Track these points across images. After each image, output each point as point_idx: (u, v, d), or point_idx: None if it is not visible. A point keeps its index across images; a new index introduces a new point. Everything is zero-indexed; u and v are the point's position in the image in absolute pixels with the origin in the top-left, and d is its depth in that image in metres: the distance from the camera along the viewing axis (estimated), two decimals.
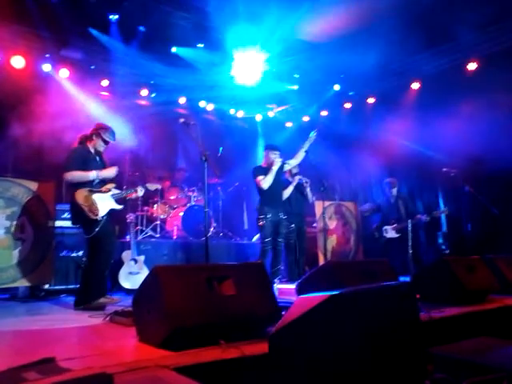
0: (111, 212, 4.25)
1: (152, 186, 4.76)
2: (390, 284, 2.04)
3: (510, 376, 2.00)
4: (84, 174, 4.13)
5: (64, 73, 6.65)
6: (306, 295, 1.91)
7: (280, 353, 1.78)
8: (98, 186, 4.24)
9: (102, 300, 3.98)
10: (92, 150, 4.33)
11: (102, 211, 4.11)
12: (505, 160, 6.05)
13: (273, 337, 1.87)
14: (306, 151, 5.62)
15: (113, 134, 4.36)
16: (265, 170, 5.35)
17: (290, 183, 6.02)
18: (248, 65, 7.04)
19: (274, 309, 2.75)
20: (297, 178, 6.08)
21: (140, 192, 4.66)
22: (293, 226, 5.99)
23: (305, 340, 1.73)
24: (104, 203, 4.17)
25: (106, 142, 4.34)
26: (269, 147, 5.57)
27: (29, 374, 2.00)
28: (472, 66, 6.71)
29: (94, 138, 4.31)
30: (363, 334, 1.68)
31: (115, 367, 2.03)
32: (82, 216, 4.04)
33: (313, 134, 5.60)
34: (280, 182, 5.55)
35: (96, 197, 4.13)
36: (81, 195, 4.06)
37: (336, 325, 1.65)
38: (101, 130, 4.32)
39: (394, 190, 6.73)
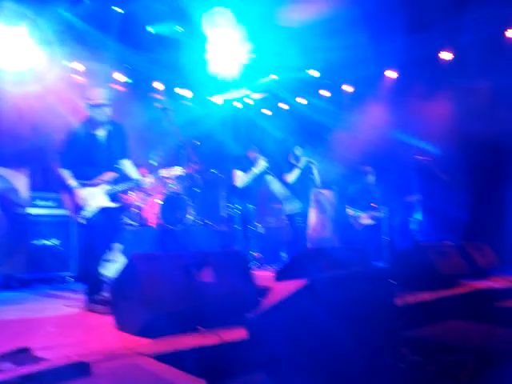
0: (104, 210, 3.58)
1: (171, 171, 3.94)
2: (365, 270, 2.08)
3: (477, 355, 2.09)
4: (66, 180, 3.55)
5: (38, 57, 6.43)
6: (283, 281, 1.94)
7: (258, 338, 1.80)
8: (97, 173, 3.59)
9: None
10: (90, 128, 3.61)
11: (88, 212, 3.52)
12: (479, 147, 6.25)
13: (251, 322, 1.89)
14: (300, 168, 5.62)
15: (102, 92, 3.61)
16: (247, 164, 5.29)
17: (294, 166, 5.70)
18: (226, 53, 6.97)
19: (253, 295, 2.77)
20: (304, 159, 5.71)
21: (148, 184, 3.80)
22: (298, 209, 5.68)
23: (282, 325, 1.75)
24: (94, 200, 3.55)
25: (99, 106, 3.53)
26: (257, 145, 5.51)
27: (3, 364, 1.97)
28: (447, 56, 6.80)
29: (85, 111, 3.60)
30: (339, 319, 1.72)
31: (93, 356, 2.01)
32: None
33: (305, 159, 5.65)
34: (256, 178, 5.47)
35: (86, 192, 3.54)
36: (68, 194, 3.56)
37: (313, 310, 1.68)
38: (86, 99, 3.58)
39: (371, 178, 6.82)
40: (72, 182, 3.53)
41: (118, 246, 5.39)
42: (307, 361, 1.68)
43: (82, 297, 3.82)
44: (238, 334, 2.33)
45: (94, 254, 3.68)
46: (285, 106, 9.09)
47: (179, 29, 6.79)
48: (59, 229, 5.02)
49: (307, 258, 3.39)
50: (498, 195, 6.49)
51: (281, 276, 3.33)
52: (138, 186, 3.91)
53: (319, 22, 6.56)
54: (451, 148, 6.48)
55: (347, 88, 8.25)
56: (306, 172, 5.76)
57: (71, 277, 5.00)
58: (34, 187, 5.17)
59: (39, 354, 2.08)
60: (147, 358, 2.04)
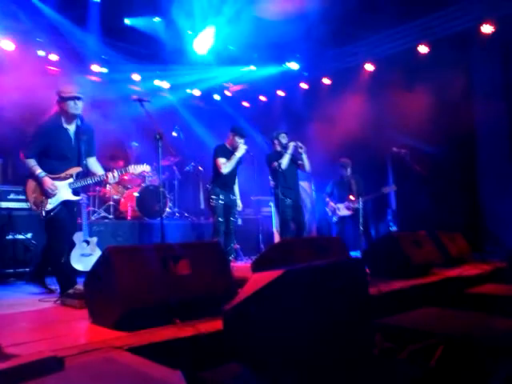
0: (65, 203, 3.64)
1: (137, 168, 3.94)
2: (341, 260, 2.11)
3: (446, 340, 2.15)
4: (32, 169, 3.53)
5: (8, 45, 6.26)
6: (259, 272, 1.95)
7: (233, 329, 1.81)
8: (63, 167, 3.63)
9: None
10: (63, 121, 3.62)
11: (51, 204, 3.56)
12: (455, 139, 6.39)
13: (227, 313, 1.90)
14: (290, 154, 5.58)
15: (73, 86, 3.62)
16: (228, 153, 5.21)
17: (281, 154, 5.58)
18: (203, 43, 6.93)
19: (230, 286, 2.78)
20: (291, 144, 5.57)
21: (112, 179, 3.78)
22: (289, 201, 5.57)
23: (257, 316, 1.76)
24: (58, 193, 3.60)
25: (72, 99, 3.55)
26: (235, 131, 5.28)
27: None
28: (423, 49, 6.89)
29: (58, 104, 3.60)
30: (314, 308, 1.74)
31: (67, 350, 1.99)
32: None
33: (292, 144, 5.60)
34: (236, 167, 5.36)
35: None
36: (31, 184, 3.57)
37: (288, 300, 1.70)
38: (59, 89, 3.59)
39: (348, 170, 6.88)
40: (39, 170, 3.53)
41: (93, 239, 5.34)
42: (282, 351, 1.70)
43: (55, 291, 3.80)
44: (215, 325, 2.34)
45: (59, 248, 3.67)
46: (263, 98, 9.09)
47: (157, 19, 6.68)
48: (32, 223, 4.91)
49: (283, 248, 3.42)
50: (471, 186, 6.66)
51: (257, 267, 3.35)
52: (101, 182, 3.90)
53: (297, 14, 6.57)
54: (427, 140, 6.61)
55: (325, 80, 8.29)
56: (295, 158, 5.70)
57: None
58: (5, 181, 5.05)
59: (10, 350, 2.04)
60: (121, 351, 2.02)
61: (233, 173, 5.31)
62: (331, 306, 1.88)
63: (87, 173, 3.83)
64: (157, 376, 1.69)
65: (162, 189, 5.44)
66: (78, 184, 3.69)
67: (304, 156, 5.65)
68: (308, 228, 7.79)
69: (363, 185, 6.80)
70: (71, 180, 3.66)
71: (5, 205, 4.95)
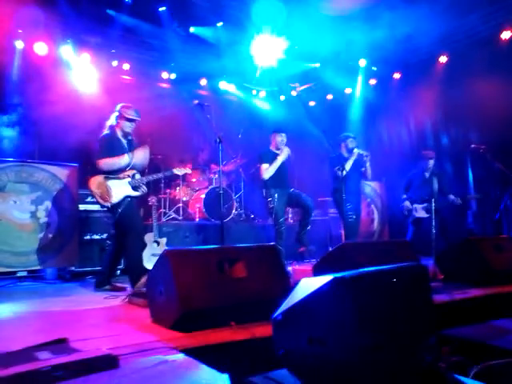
0: (128, 197, 4.16)
1: (180, 171, 4.64)
2: (400, 266, 1.96)
3: None
4: (116, 160, 4.11)
5: (85, 58, 6.72)
6: (309, 278, 1.87)
7: (281, 336, 1.75)
8: (120, 172, 4.18)
9: (143, 280, 3.78)
10: (120, 134, 4.24)
11: (116, 197, 4.07)
12: None
13: (275, 319, 1.84)
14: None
15: (136, 111, 4.24)
16: (273, 156, 5.22)
17: (346, 159, 5.55)
18: (268, 45, 6.90)
19: (286, 290, 2.72)
20: (356, 151, 5.53)
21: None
22: (350, 206, 5.51)
23: (306, 323, 1.69)
24: (119, 189, 4.11)
25: (131, 121, 4.21)
26: (275, 130, 5.37)
27: (42, 353, 2.06)
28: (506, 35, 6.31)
29: (117, 120, 4.21)
30: (366, 318, 1.63)
31: (123, 349, 2.05)
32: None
33: (357, 150, 5.53)
34: (284, 164, 5.32)
35: (111, 183, 4.09)
36: (94, 182, 4.06)
37: (336, 308, 1.60)
38: (122, 109, 4.20)
39: (431, 162, 6.19)
40: (124, 157, 4.16)
41: (163, 239, 5.54)
42: (330, 360, 1.61)
43: (125, 289, 4.00)
44: (270, 329, 2.29)
45: (134, 244, 4.11)
46: (330, 96, 8.89)
47: (220, 24, 6.79)
48: (107, 224, 5.21)
49: (344, 252, 3.28)
50: None
51: (318, 270, 3.25)
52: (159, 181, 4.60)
53: (364, 9, 6.33)
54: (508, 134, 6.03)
55: (396, 75, 7.92)
56: (358, 164, 5.60)
57: (119, 269, 5.16)
58: (82, 185, 5.40)
59: (75, 345, 2.15)
60: (176, 353, 2.05)
61: (282, 170, 5.25)
62: (386, 315, 1.75)
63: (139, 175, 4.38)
64: (203, 379, 1.69)
65: (228, 191, 5.51)
66: (135, 182, 4.23)
67: (368, 164, 5.57)
68: (379, 231, 7.48)
69: (447, 182, 6.20)
70: (129, 179, 4.22)
71: (83, 207, 5.30)
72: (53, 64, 6.48)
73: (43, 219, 4.91)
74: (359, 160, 5.55)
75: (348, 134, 5.81)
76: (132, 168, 4.25)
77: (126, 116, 4.18)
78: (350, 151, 5.57)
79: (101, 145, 4.13)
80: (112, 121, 4.24)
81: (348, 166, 5.42)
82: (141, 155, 4.27)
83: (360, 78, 8.27)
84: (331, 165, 5.55)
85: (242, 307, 2.56)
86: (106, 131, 4.25)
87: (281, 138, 5.30)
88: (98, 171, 4.07)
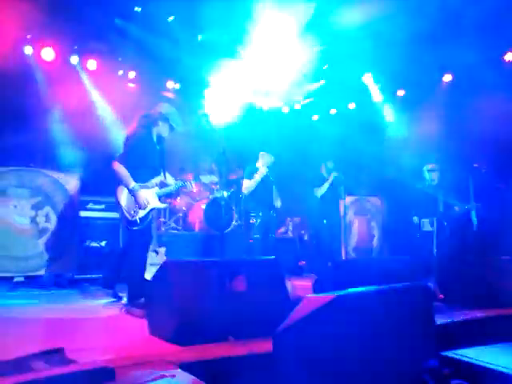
0: (154, 209, 3.77)
1: (207, 178, 4.34)
2: (401, 285, 1.94)
3: None
4: (126, 180, 3.56)
5: (91, 65, 6.76)
6: (317, 293, 1.85)
7: (282, 353, 1.73)
8: (150, 177, 3.74)
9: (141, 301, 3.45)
10: (154, 137, 3.75)
11: (142, 212, 3.64)
12: None
13: (276, 336, 1.81)
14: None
15: (181, 120, 3.84)
16: (254, 173, 5.40)
17: (324, 180, 6.00)
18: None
19: (286, 306, 2.69)
20: (333, 174, 5.99)
21: (190, 187, 4.00)
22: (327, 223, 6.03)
23: (307, 340, 1.66)
24: (145, 200, 3.68)
25: (172, 129, 3.77)
26: (263, 149, 5.61)
27: (37, 363, 2.03)
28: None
29: (160, 123, 3.72)
30: (367, 336, 1.61)
31: (120, 361, 2.02)
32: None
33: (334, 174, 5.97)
34: (266, 182, 5.44)
35: (144, 194, 3.66)
36: (122, 193, 3.62)
37: (338, 327, 1.58)
38: (169, 114, 3.74)
39: (435, 175, 6.20)
40: (133, 183, 3.60)
41: (162, 249, 5.51)
42: (330, 377, 1.58)
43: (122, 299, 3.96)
44: (268, 345, 2.26)
45: (141, 257, 3.80)
46: (333, 111, 8.92)
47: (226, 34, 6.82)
48: (106, 231, 5.19)
49: (346, 269, 3.26)
50: None
51: (317, 287, 3.23)
52: (179, 190, 4.02)
53: (373, 27, 6.36)
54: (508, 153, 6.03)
55: (400, 92, 7.96)
56: (336, 185, 6.03)
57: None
58: (84, 191, 5.39)
59: (71, 355, 2.12)
60: (172, 367, 2.02)
61: (264, 190, 5.40)
62: (386, 334, 1.73)
63: (165, 184, 3.99)
64: None
65: (229, 202, 5.51)
66: (163, 192, 3.84)
67: (342, 187, 6.04)
68: (379, 247, 7.45)
69: (451, 196, 6.19)
70: (157, 189, 3.79)
71: (84, 214, 5.28)
72: (59, 70, 6.51)
73: (43, 224, 4.89)
74: (337, 181, 6.01)
75: (328, 159, 6.25)
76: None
77: (171, 123, 3.75)
78: (329, 172, 6.04)
79: (131, 144, 3.60)
80: (150, 119, 3.72)
81: (323, 190, 5.95)
82: (166, 190, 3.81)
83: (362, 94, 8.30)
84: (310, 184, 6.07)
85: (241, 322, 2.53)
86: (140, 129, 3.69)
87: (262, 159, 5.46)
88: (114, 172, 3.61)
